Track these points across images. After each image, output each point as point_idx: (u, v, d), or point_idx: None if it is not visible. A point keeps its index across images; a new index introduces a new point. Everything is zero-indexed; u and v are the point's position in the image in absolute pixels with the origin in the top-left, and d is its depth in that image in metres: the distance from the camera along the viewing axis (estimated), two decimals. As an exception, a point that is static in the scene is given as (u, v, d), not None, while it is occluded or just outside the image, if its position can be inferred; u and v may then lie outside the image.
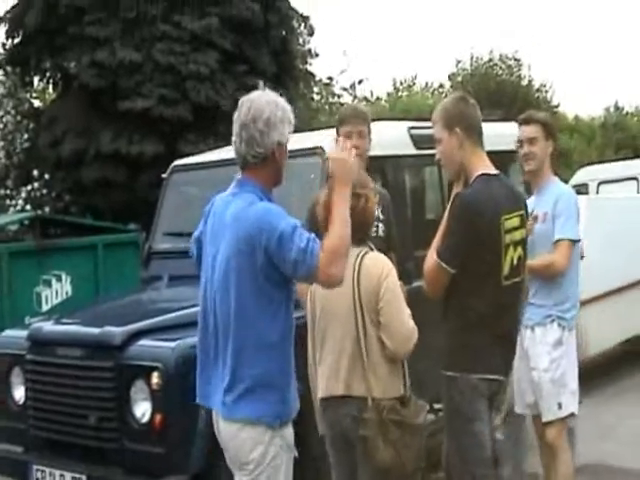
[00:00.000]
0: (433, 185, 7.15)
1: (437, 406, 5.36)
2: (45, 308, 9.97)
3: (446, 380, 4.30)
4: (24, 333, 5.95)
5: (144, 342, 5.32)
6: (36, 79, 13.84)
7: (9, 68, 13.58)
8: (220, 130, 12.13)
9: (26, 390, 5.78)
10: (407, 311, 4.28)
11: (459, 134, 4.29)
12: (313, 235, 3.61)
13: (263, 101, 3.70)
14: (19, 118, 13.30)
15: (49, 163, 12.55)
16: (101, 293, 10.19)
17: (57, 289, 10.25)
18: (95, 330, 5.52)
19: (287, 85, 13.65)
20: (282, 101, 3.75)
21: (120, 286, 9.75)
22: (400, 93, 30.73)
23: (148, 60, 12.36)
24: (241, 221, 3.66)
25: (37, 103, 14.17)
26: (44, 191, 12.40)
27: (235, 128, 3.75)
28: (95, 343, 5.43)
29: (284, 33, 14.03)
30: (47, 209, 12.29)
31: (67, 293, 10.27)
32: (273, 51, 13.48)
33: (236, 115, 3.75)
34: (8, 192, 12.32)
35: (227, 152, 6.86)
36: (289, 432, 3.84)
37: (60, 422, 5.49)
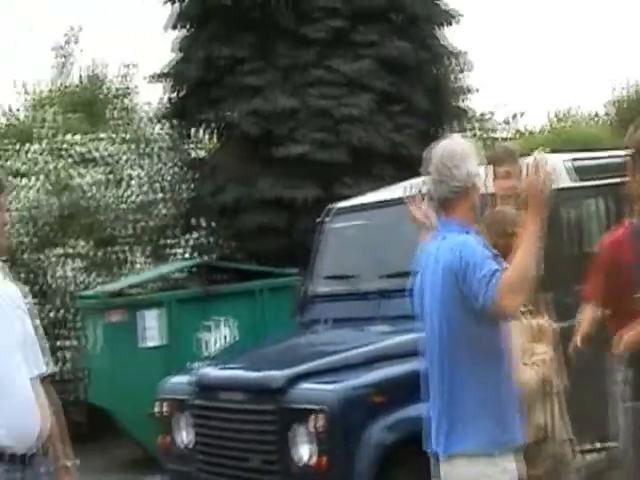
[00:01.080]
0: (597, 216, 6.97)
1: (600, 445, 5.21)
2: (207, 354, 10.14)
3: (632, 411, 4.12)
4: (188, 379, 6.12)
5: (305, 385, 5.40)
6: (195, 130, 14.21)
7: (174, 121, 14.03)
8: (376, 172, 12.20)
9: (193, 434, 5.92)
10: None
11: None
12: (501, 266, 3.62)
13: (453, 142, 3.97)
14: (183, 169, 13.67)
15: (212, 211, 12.82)
16: (263, 337, 10.32)
17: (219, 334, 10.44)
18: (256, 374, 5.65)
19: (442, 123, 13.62)
20: (466, 140, 4.03)
21: (281, 330, 9.87)
22: (561, 124, 30.17)
23: (303, 106, 12.56)
24: (444, 254, 3.76)
25: (201, 153, 14.53)
26: (210, 239, 12.68)
27: (431, 171, 3.91)
28: (257, 387, 5.56)
29: (437, 71, 14.02)
30: (212, 256, 12.54)
31: (229, 338, 10.45)
32: (427, 89, 13.49)
33: (430, 162, 3.91)
34: (174, 241, 12.64)
35: (385, 193, 6.92)
36: (514, 463, 3.72)
37: (224, 465, 5.63)
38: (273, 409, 5.37)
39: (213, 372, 6.07)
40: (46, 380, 3.83)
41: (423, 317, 3.91)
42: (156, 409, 6.38)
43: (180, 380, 6.34)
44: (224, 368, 6.17)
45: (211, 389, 5.85)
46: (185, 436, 5.99)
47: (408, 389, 5.16)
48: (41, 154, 13.13)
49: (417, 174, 6.80)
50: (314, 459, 5.12)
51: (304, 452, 5.20)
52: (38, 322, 3.92)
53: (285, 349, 6.58)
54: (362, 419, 5.20)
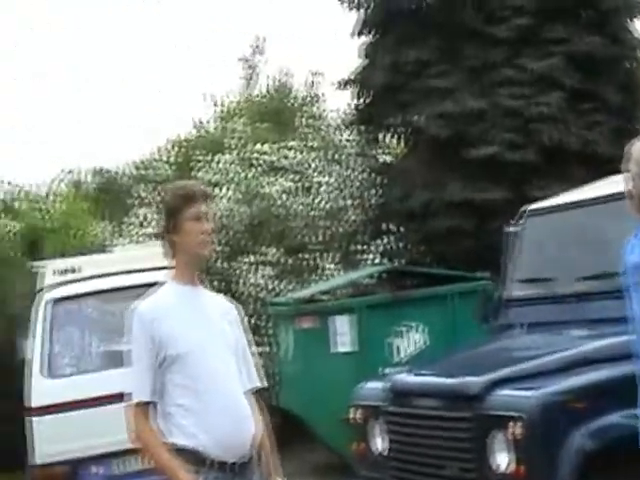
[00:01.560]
0: None
1: None
2: (397, 359, 10.06)
3: None
4: (382, 385, 6.07)
5: (503, 392, 5.27)
6: (383, 135, 14.21)
7: (361, 127, 14.08)
8: (567, 171, 11.84)
9: (387, 441, 5.87)
10: None
11: None
12: None
13: None
14: (371, 174, 13.69)
15: (401, 216, 12.78)
16: (454, 343, 10.16)
17: (410, 340, 10.34)
18: (453, 381, 5.54)
19: (636, 119, 13.11)
20: None
21: (473, 335, 9.69)
22: None
23: (492, 106, 12.35)
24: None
25: (388, 158, 14.53)
26: (399, 244, 12.64)
27: (631, 168, 3.76)
28: (453, 393, 5.46)
29: (630, 65, 13.51)
30: (401, 261, 12.50)
31: (420, 343, 10.34)
32: (619, 85, 13.02)
33: (630, 158, 3.77)
34: (363, 247, 12.66)
35: (580, 194, 6.68)
36: None
37: (419, 472, 5.55)
38: (470, 416, 5.25)
39: (407, 378, 6.00)
40: (255, 394, 3.86)
41: (633, 318, 3.71)
42: (350, 415, 6.36)
43: (374, 386, 6.31)
44: (418, 374, 6.09)
45: (406, 395, 5.79)
46: (379, 443, 5.95)
47: (610, 395, 5.00)
48: (232, 164, 13.43)
49: (609, 173, 6.61)
50: (512, 467, 4.97)
51: (502, 460, 5.05)
52: (251, 337, 3.96)
53: (480, 355, 6.43)
54: (562, 426, 5.02)
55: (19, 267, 12.30)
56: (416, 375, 6.08)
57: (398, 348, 10.31)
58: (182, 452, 3.57)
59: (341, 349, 10.01)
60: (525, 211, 7.12)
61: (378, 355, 9.98)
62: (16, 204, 17.13)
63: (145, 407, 3.60)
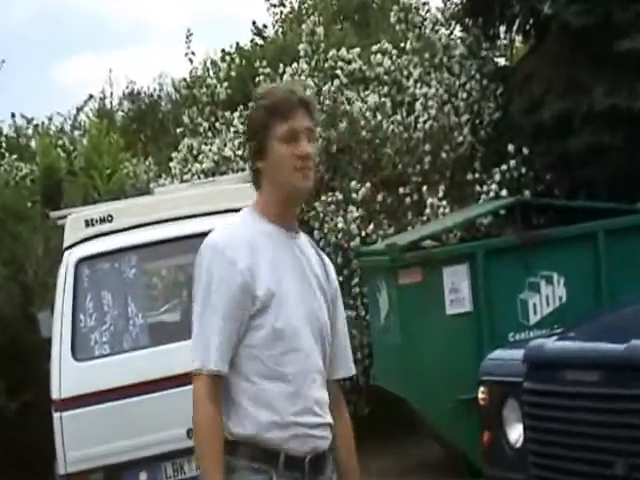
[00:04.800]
0: None
1: None
2: (533, 320, 9.75)
3: None
4: (516, 354, 5.70)
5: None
6: (502, 30, 13.75)
7: (471, 21, 13.61)
8: None
9: (524, 429, 5.52)
10: None
11: None
12: None
13: None
14: (484, 82, 13.28)
15: (526, 134, 12.39)
16: (605, 295, 9.77)
17: (547, 294, 10.02)
18: (616, 347, 5.14)
19: None
20: None
21: (628, 285, 9.29)
22: None
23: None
24: None
25: (503, 62, 14.09)
26: (522, 170, 12.23)
27: None
28: (619, 364, 5.04)
29: None
30: (528, 192, 12.13)
31: (560, 299, 9.99)
32: None
33: None
34: (477, 176, 12.29)
35: None
36: None
37: (572, 472, 5.16)
38: (644, 394, 4.84)
39: (550, 345, 5.62)
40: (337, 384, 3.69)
41: None
42: (476, 396, 6.05)
43: (504, 356, 5.99)
44: (565, 339, 5.71)
45: (549, 368, 5.43)
46: (515, 432, 5.63)
47: None
48: (304, 76, 13.10)
49: None
50: None
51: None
52: (342, 311, 3.68)
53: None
54: None
55: (37, 222, 12.18)
56: (562, 340, 5.70)
57: (531, 306, 10.03)
58: (240, 444, 3.37)
59: (455, 310, 9.83)
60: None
61: (505, 316, 9.80)
62: (32, 142, 17.17)
63: (214, 380, 3.34)
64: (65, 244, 8.48)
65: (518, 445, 5.60)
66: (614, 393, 4.97)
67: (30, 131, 18.39)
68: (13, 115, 18.45)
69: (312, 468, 3.42)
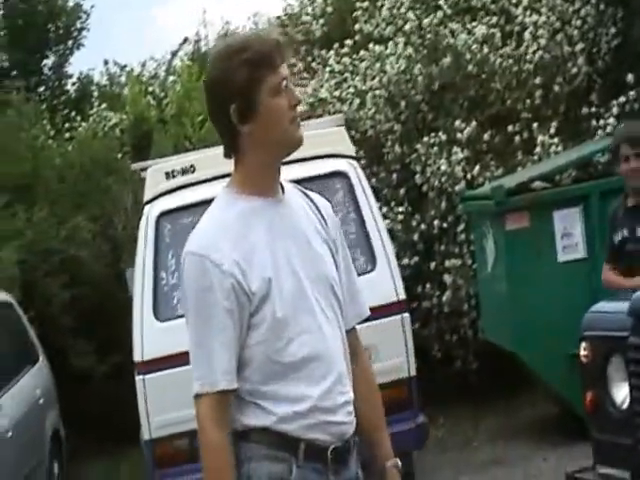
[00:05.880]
0: None
1: None
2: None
3: None
4: (622, 306, 5.48)
5: None
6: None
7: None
8: None
9: (631, 388, 5.31)
10: None
11: None
12: None
13: None
14: (602, 7, 12.90)
15: (649, 62, 12.04)
16: None
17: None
18: None
19: None
20: None
21: None
22: None
23: None
24: None
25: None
26: (644, 102, 11.90)
27: None
28: None
29: None
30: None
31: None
32: None
33: None
34: (593, 110, 11.96)
35: None
36: None
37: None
38: None
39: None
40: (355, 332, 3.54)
41: None
42: (580, 352, 5.85)
43: (609, 309, 5.79)
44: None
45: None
46: (622, 392, 5.41)
47: None
48: (405, 8, 12.89)
49: None
50: None
51: None
52: (347, 254, 3.53)
53: None
54: None
55: (126, 174, 12.20)
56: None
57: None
58: (256, 434, 3.23)
59: (568, 256, 9.68)
60: None
61: (623, 263, 9.49)
62: (125, 90, 17.22)
63: (221, 399, 3.21)
64: (146, 198, 8.44)
65: (624, 406, 5.39)
66: None
67: (123, 79, 18.42)
68: (106, 62, 18.41)
69: (335, 459, 3.27)
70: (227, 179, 8.74)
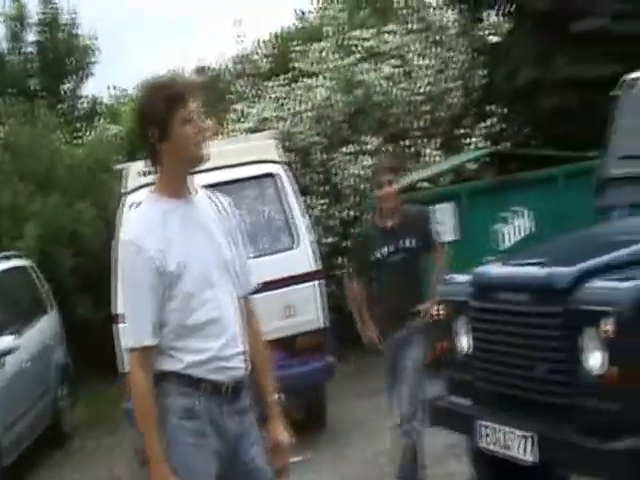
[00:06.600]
0: None
1: None
2: (505, 246, 9.50)
3: None
4: (467, 278, 5.46)
5: (595, 283, 4.57)
6: (488, 14, 13.36)
7: (463, 6, 13.23)
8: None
9: (471, 340, 5.31)
10: None
11: None
12: None
13: None
14: (474, 55, 12.91)
15: (505, 97, 12.06)
16: (560, 228, 9.51)
17: (517, 226, 9.77)
18: (541, 272, 4.88)
19: None
20: None
21: (583, 220, 9.01)
22: None
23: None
24: None
25: (495, 38, 13.66)
26: (502, 126, 11.91)
27: None
28: (541, 287, 4.80)
29: None
30: (506, 144, 11.82)
31: (527, 230, 9.73)
32: None
33: None
34: (465, 131, 11.98)
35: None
36: None
37: (505, 374, 4.96)
38: (559, 312, 4.58)
39: (492, 270, 5.34)
40: (248, 300, 3.51)
41: None
42: (434, 312, 5.84)
43: (461, 279, 5.64)
44: (506, 265, 5.43)
45: (490, 289, 5.11)
46: (464, 342, 5.37)
47: None
48: (329, 52, 12.81)
49: None
50: (605, 368, 4.33)
51: (594, 360, 4.39)
52: (242, 240, 3.50)
53: (575, 241, 5.70)
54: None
55: (118, 172, 12.07)
56: (503, 266, 5.43)
57: (505, 235, 9.75)
58: (172, 376, 3.25)
59: (443, 239, 9.49)
60: (626, 80, 6.28)
61: (482, 244, 9.55)
62: (123, 108, 16.99)
63: (148, 353, 3.24)
64: (123, 190, 8.35)
65: (467, 352, 5.38)
66: (535, 311, 4.74)
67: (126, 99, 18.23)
68: (109, 87, 18.29)
69: (230, 394, 3.29)
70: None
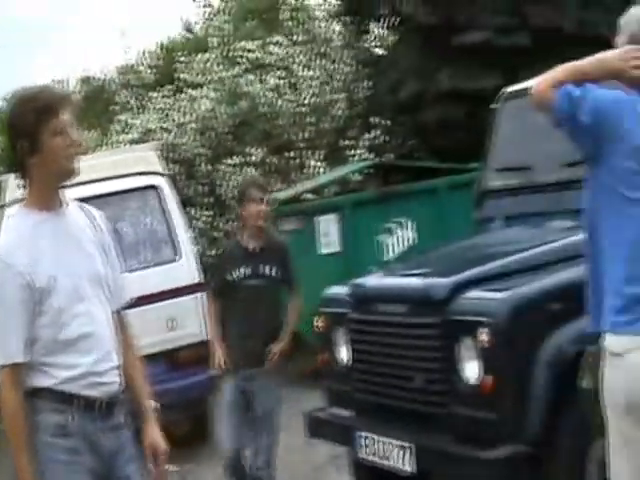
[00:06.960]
0: None
1: None
2: (389, 257, 9.53)
3: None
4: (346, 290, 5.45)
5: (471, 294, 4.62)
6: (374, 26, 13.47)
7: (348, 18, 13.31)
8: (564, 56, 11.03)
9: (350, 351, 5.30)
10: None
11: None
12: None
13: None
14: (359, 67, 13.00)
15: (389, 109, 12.16)
16: (444, 239, 9.62)
17: (400, 237, 9.81)
18: (417, 283, 4.92)
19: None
20: None
21: (465, 230, 9.13)
22: None
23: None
24: None
25: (379, 51, 13.79)
26: (386, 138, 12.01)
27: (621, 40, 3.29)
28: (419, 298, 4.83)
29: None
30: (390, 155, 11.92)
31: (411, 240, 9.79)
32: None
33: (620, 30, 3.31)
34: (349, 142, 12.04)
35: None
36: None
37: (384, 385, 4.97)
38: (436, 322, 4.61)
39: (371, 282, 5.36)
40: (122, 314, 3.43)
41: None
42: (315, 323, 5.78)
43: (340, 291, 5.63)
44: (385, 276, 5.45)
45: (368, 301, 5.14)
46: (343, 353, 5.36)
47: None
48: (214, 63, 12.75)
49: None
50: (481, 378, 4.37)
51: (470, 370, 4.44)
52: (114, 254, 3.40)
53: (453, 253, 5.76)
54: (536, 331, 4.39)
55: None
56: (381, 277, 5.45)
57: (389, 246, 9.78)
58: (44, 393, 3.14)
59: (327, 250, 9.58)
60: (504, 94, 6.39)
61: (367, 255, 9.51)
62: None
63: (17, 370, 3.12)
64: (1, 203, 8.12)
65: (346, 363, 5.37)
66: (413, 322, 4.76)
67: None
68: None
69: (103, 410, 3.20)
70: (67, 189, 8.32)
